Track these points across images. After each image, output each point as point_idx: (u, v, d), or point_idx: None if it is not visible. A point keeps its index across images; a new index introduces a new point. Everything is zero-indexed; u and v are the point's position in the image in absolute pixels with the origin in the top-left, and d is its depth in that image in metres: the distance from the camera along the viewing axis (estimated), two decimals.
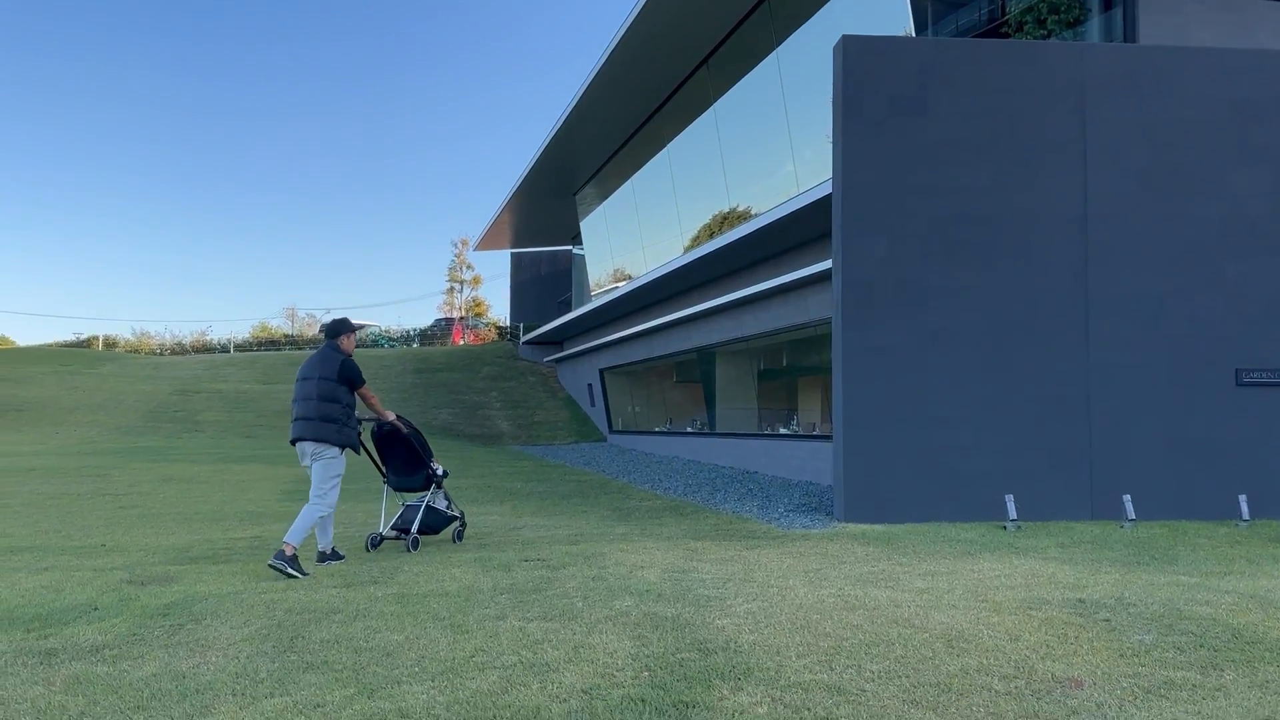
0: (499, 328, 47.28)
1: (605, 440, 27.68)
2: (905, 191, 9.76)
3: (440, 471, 8.31)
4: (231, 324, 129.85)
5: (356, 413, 7.45)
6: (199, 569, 7.02)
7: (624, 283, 23.36)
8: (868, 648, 4.72)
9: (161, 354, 46.42)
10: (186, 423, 29.33)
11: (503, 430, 29.23)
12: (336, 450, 7.21)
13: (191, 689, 4.18)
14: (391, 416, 7.99)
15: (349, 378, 7.26)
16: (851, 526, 9.16)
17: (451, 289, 61.89)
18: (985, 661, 4.50)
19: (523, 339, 37.67)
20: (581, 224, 29.12)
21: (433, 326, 50.16)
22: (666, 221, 21.42)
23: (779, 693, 4.06)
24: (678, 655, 4.60)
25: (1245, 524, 9.24)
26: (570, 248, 35.50)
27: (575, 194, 28.23)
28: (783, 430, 16.95)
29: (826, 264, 13.38)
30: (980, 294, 9.76)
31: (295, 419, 7.24)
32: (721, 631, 5.03)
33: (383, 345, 46.27)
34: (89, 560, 7.48)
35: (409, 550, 7.82)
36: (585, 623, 5.24)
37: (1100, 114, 9.96)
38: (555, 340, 34.95)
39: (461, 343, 45.08)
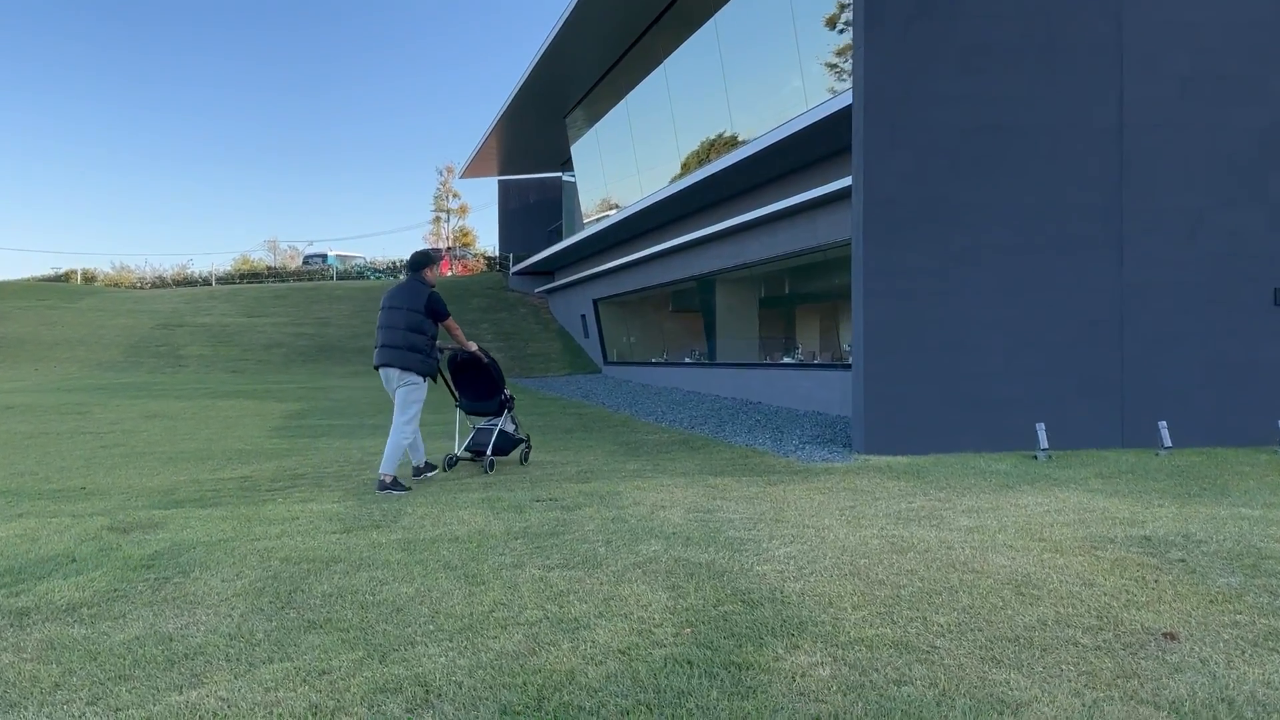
0: (487, 258, 46.43)
1: (600, 372, 27.21)
2: (931, 101, 9.11)
3: (510, 397, 8.72)
4: (213, 257, 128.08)
5: (439, 342, 7.83)
6: (185, 513, 6.52)
7: (618, 209, 22.63)
8: (929, 597, 4.27)
9: (142, 288, 45.46)
10: (169, 358, 28.68)
11: None
12: (419, 378, 7.56)
13: (180, 654, 3.69)
14: (474, 347, 8.28)
15: (435, 310, 7.57)
16: (874, 459, 8.72)
17: (438, 218, 60.72)
18: (1063, 611, 4.06)
19: (512, 270, 36.93)
20: (572, 148, 28.20)
21: None
22: (663, 144, 20.61)
23: (840, 651, 3.61)
24: (720, 608, 4.14)
25: None
26: (560, 174, 34.58)
27: (565, 116, 27.27)
28: (787, 360, 16.48)
29: (838, 184, 12.76)
30: (1010, 210, 9.19)
31: (381, 345, 7.57)
32: (763, 580, 4.57)
33: (368, 277, 45.42)
34: (67, 505, 6.97)
35: (486, 471, 8.26)
36: (611, 571, 4.78)
37: (1138, 15, 9.28)
38: (546, 271, 34.25)
39: (450, 274, 44.29)
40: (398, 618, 4.08)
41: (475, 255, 49.63)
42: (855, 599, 4.25)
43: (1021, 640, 3.72)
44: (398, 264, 47.47)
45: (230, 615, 4.17)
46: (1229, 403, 9.21)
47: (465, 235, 60.22)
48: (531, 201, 39.11)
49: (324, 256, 51.35)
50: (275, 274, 49.13)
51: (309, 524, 6.10)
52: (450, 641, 3.77)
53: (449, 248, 53.15)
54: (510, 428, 8.64)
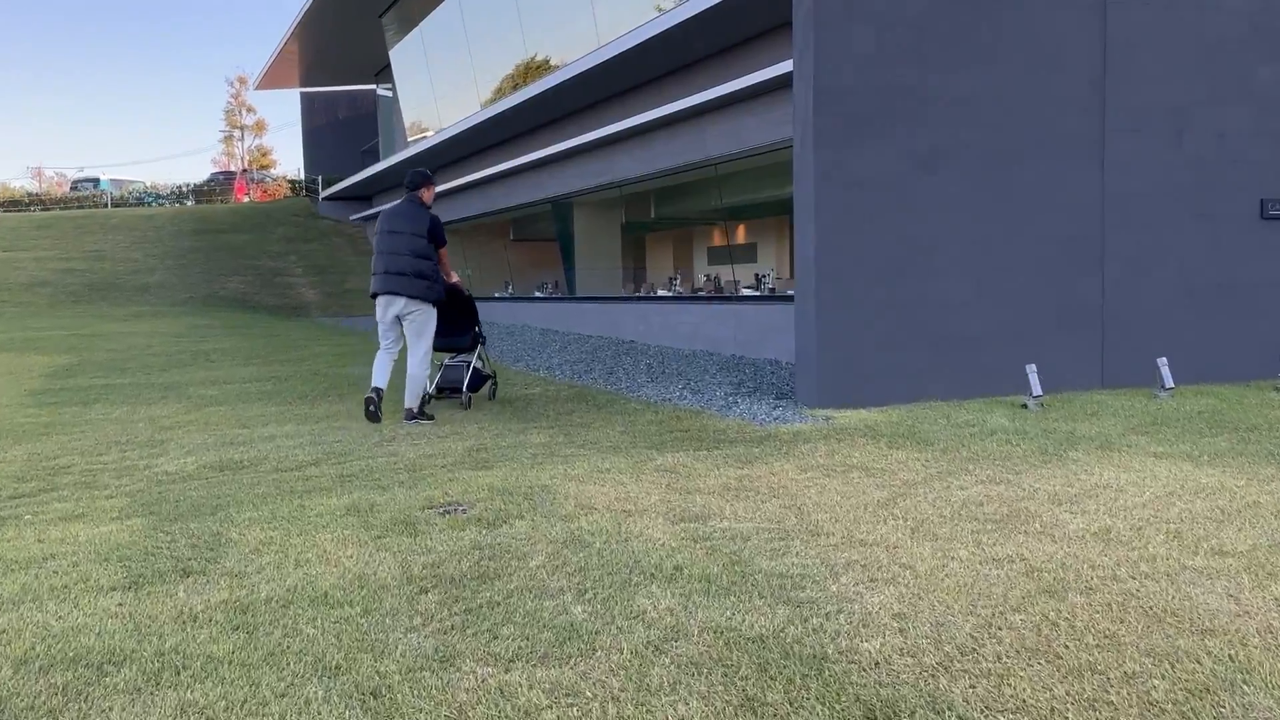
0: (292, 182, 41.92)
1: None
2: None
3: (483, 334, 8.41)
4: None
5: None
6: None
7: (452, 124, 19.86)
8: (1192, 696, 2.48)
9: None
10: None
11: (309, 300, 25.47)
12: (429, 307, 7.33)
13: None
14: (456, 278, 7.91)
15: (438, 235, 7.34)
16: (837, 415, 6.98)
17: (230, 137, 54.56)
18: None
19: (322, 194, 33.19)
20: (391, 54, 24.92)
21: (209, 182, 43.93)
22: (506, 44, 17.95)
23: None
24: None
25: None
26: (375, 87, 31.04)
27: (381, 16, 23.92)
28: (663, 293, 14.61)
29: (734, 84, 10.82)
30: (985, 104, 7.54)
31: (384, 273, 7.24)
32: (891, 671, 2.68)
33: (149, 203, 40.09)
34: None
35: (464, 408, 7.87)
36: (617, 666, 2.76)
37: None
38: (363, 195, 30.88)
39: (247, 199, 39.71)
40: None
41: (277, 179, 44.80)
42: (1076, 708, 2.42)
43: None
44: (184, 189, 42.17)
45: None
46: (1214, 332, 8.03)
47: (264, 156, 54.51)
48: (342, 118, 35.22)
49: (95, 181, 45.14)
50: (39, 201, 42.76)
51: (71, 573, 3.71)
52: None
53: (244, 169, 47.89)
54: (479, 363, 8.28)
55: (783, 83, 10.29)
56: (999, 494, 4.61)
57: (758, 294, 12.10)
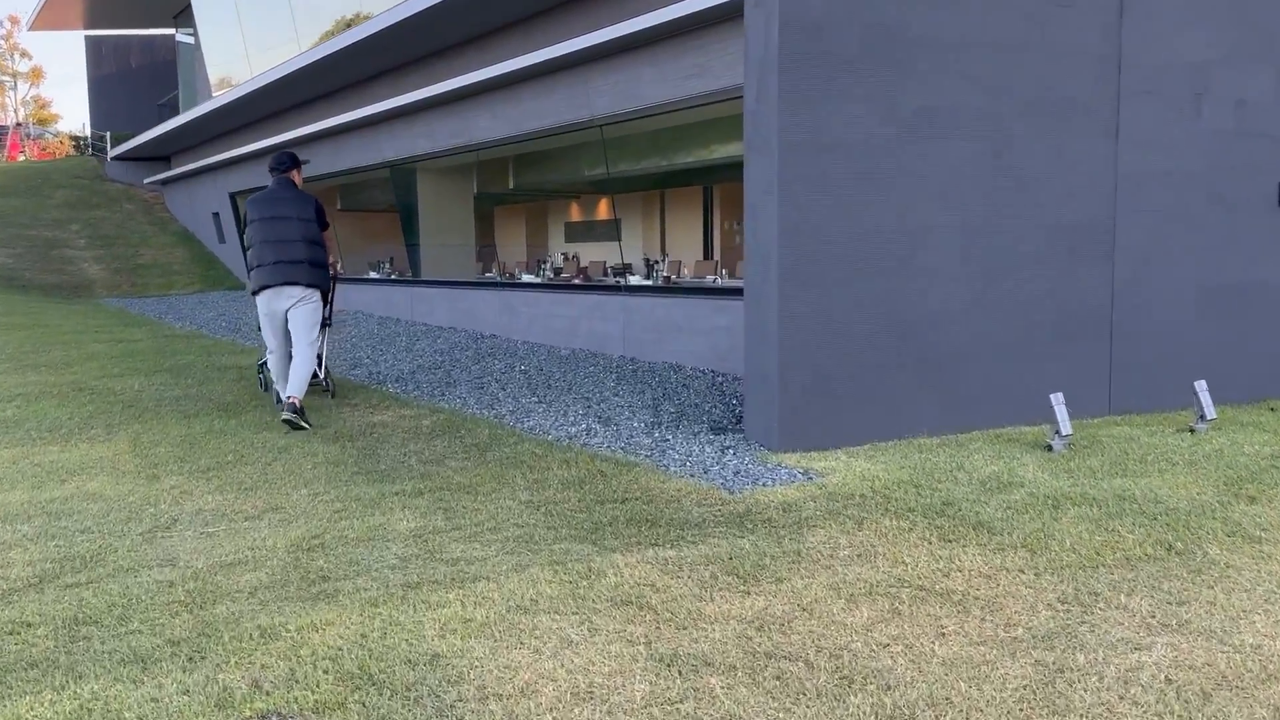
0: (75, 139, 36.73)
1: (246, 290, 21.28)
2: None
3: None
4: None
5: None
6: None
7: (264, 72, 16.84)
8: None
9: None
10: None
11: (93, 278, 21.72)
12: (320, 296, 6.97)
13: None
14: (338, 264, 7.92)
15: (324, 219, 6.99)
16: (819, 467, 5.14)
17: (0, 85, 47.67)
18: None
19: (111, 153, 28.85)
20: None
21: None
22: None
23: None
24: None
25: None
26: (175, 31, 27.09)
27: None
28: (531, 278, 12.44)
29: (624, 29, 8.76)
30: (982, 52, 5.83)
31: (275, 263, 6.74)
32: None
33: None
34: None
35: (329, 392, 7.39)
36: None
37: None
38: (160, 155, 26.94)
39: (21, 158, 34.46)
40: None
41: (57, 135, 39.28)
42: None
43: None
44: None
45: None
46: (1233, 342, 6.68)
47: (42, 108, 47.96)
48: (135, 66, 30.78)
49: None
50: None
51: None
52: None
53: (17, 124, 41.88)
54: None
55: (690, 24, 8.34)
56: (1200, 659, 2.85)
57: (651, 284, 10.16)
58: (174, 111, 25.71)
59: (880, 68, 5.55)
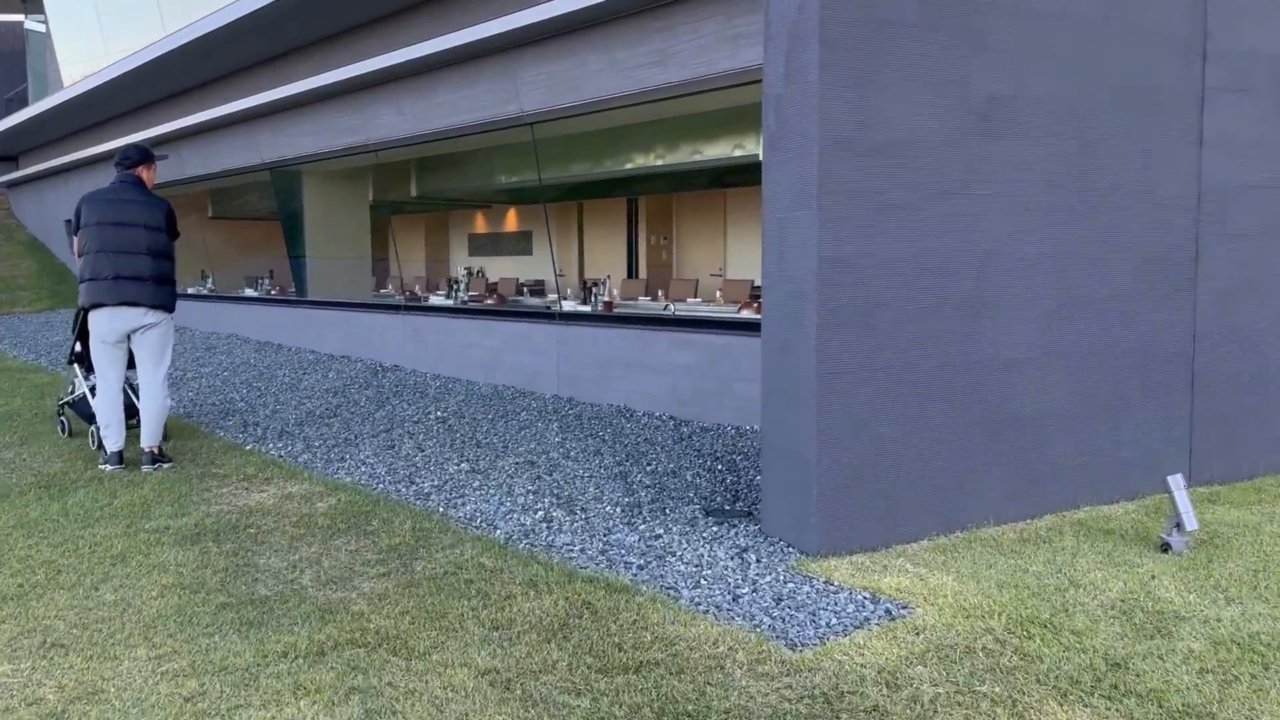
0: None
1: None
2: None
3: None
4: None
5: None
6: None
7: (121, 59, 14.63)
8: None
9: None
10: None
11: None
12: (170, 319, 6.02)
13: None
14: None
15: (174, 227, 6.01)
16: (884, 587, 3.71)
17: None
18: None
19: None
20: None
21: None
22: None
23: None
24: None
25: None
26: (24, 17, 24.30)
27: None
28: (440, 300, 10.73)
29: (560, 7, 7.24)
30: (1059, 32, 4.54)
31: (115, 277, 5.77)
32: None
33: None
34: None
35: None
36: None
37: None
38: (8, 155, 24.16)
39: None
40: None
41: None
42: None
43: None
44: None
45: None
46: None
47: None
48: None
49: None
50: None
51: None
52: None
53: None
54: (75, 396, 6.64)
55: (650, 1, 6.88)
56: None
57: (590, 311, 8.61)
58: (23, 105, 22.97)
59: (949, 39, 4.19)
